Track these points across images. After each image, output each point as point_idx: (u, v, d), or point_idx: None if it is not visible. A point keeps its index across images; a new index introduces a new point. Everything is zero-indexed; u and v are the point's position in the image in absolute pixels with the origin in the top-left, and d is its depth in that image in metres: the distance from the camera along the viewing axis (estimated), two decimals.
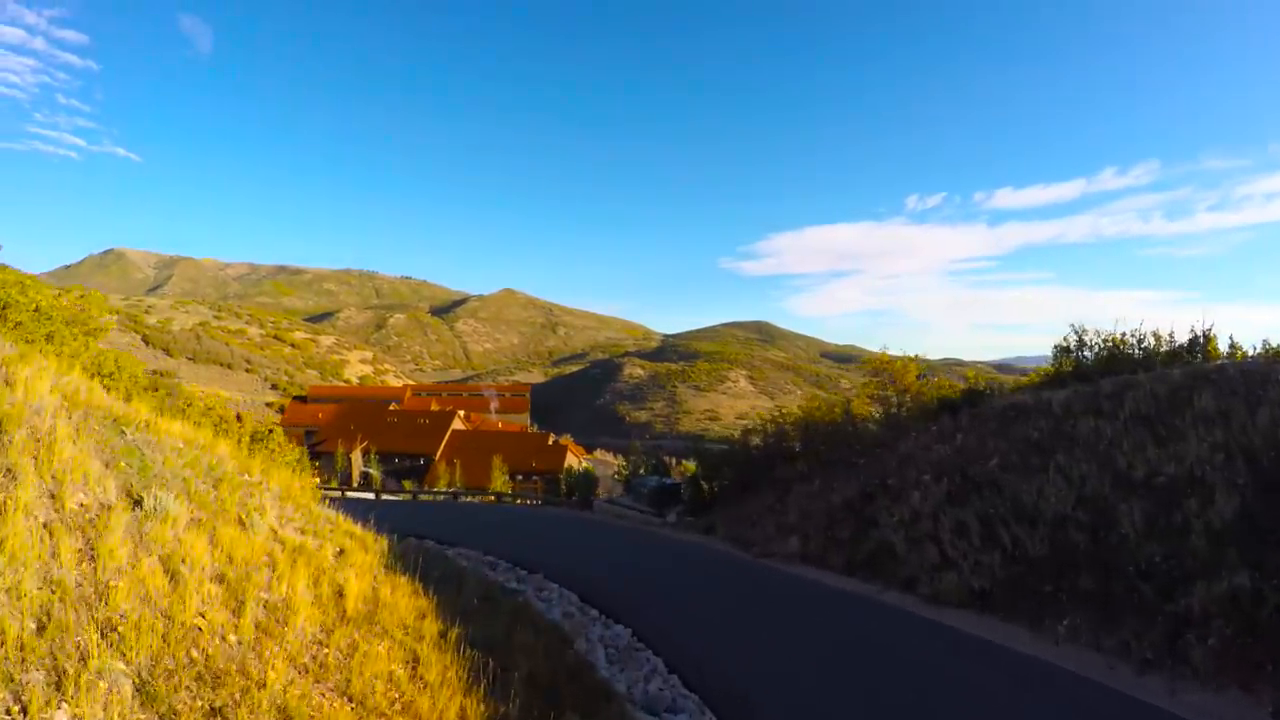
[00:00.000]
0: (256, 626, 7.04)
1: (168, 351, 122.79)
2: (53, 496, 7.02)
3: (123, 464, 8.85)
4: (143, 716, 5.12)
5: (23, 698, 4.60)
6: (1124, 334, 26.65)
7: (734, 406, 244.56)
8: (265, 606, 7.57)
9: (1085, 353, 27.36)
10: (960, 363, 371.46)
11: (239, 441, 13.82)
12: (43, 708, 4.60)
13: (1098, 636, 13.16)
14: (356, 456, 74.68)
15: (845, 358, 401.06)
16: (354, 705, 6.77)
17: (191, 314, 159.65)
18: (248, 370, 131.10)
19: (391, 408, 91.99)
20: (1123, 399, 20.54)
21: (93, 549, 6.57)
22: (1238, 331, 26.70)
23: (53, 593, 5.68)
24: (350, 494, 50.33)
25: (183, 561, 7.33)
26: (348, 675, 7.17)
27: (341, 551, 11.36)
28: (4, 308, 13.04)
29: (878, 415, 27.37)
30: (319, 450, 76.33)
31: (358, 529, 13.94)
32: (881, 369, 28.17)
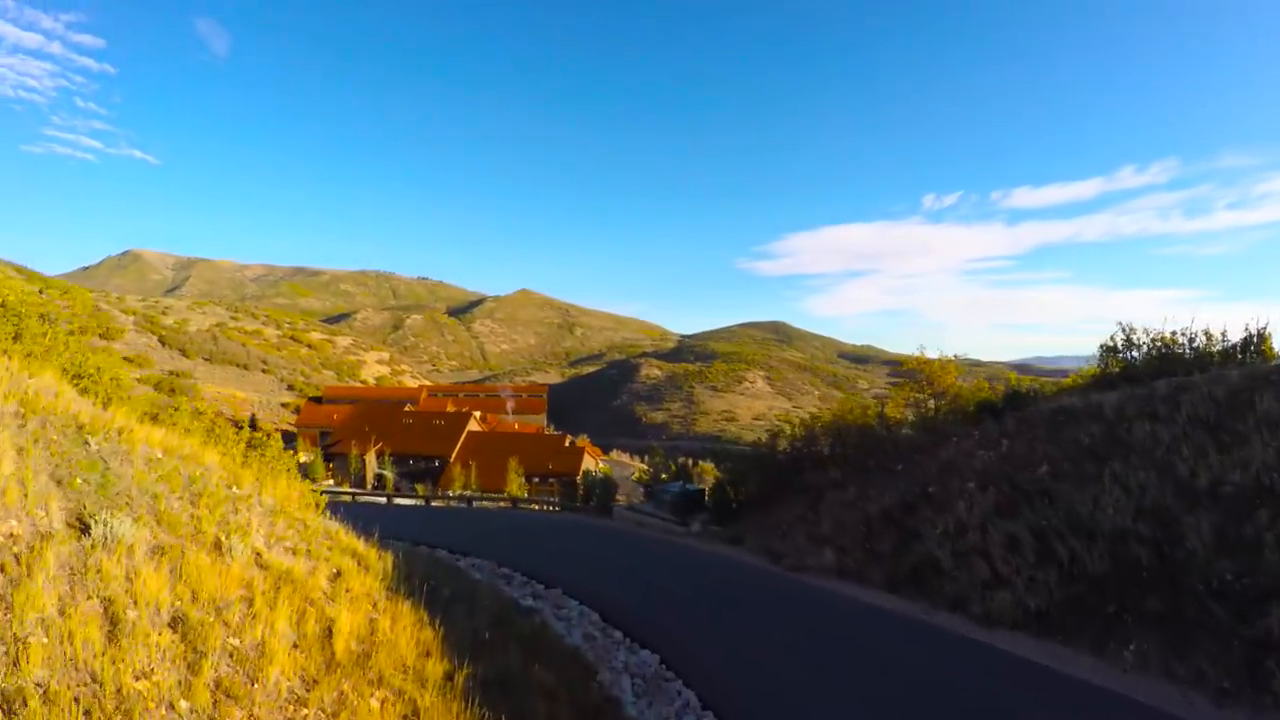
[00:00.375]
0: (217, 687, 5.75)
1: (184, 352, 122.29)
2: None
3: (79, 481, 7.62)
4: None
5: None
6: (1173, 333, 25.22)
7: (751, 407, 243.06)
8: (232, 657, 6.29)
9: (1133, 353, 25.94)
10: (978, 363, 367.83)
11: (232, 449, 12.50)
12: None
13: (1168, 663, 12.00)
14: (371, 458, 73.69)
15: (862, 358, 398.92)
16: None
17: (208, 315, 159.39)
18: (264, 371, 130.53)
19: (407, 409, 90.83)
20: (1178, 402, 19.23)
21: (9, 594, 5.30)
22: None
23: None
24: (362, 498, 49.33)
25: (132, 603, 6.07)
26: None
27: (338, 574, 10.09)
28: None
29: (913, 419, 25.89)
30: (333, 452, 75.43)
31: (359, 544, 12.70)
32: (918, 370, 26.69)
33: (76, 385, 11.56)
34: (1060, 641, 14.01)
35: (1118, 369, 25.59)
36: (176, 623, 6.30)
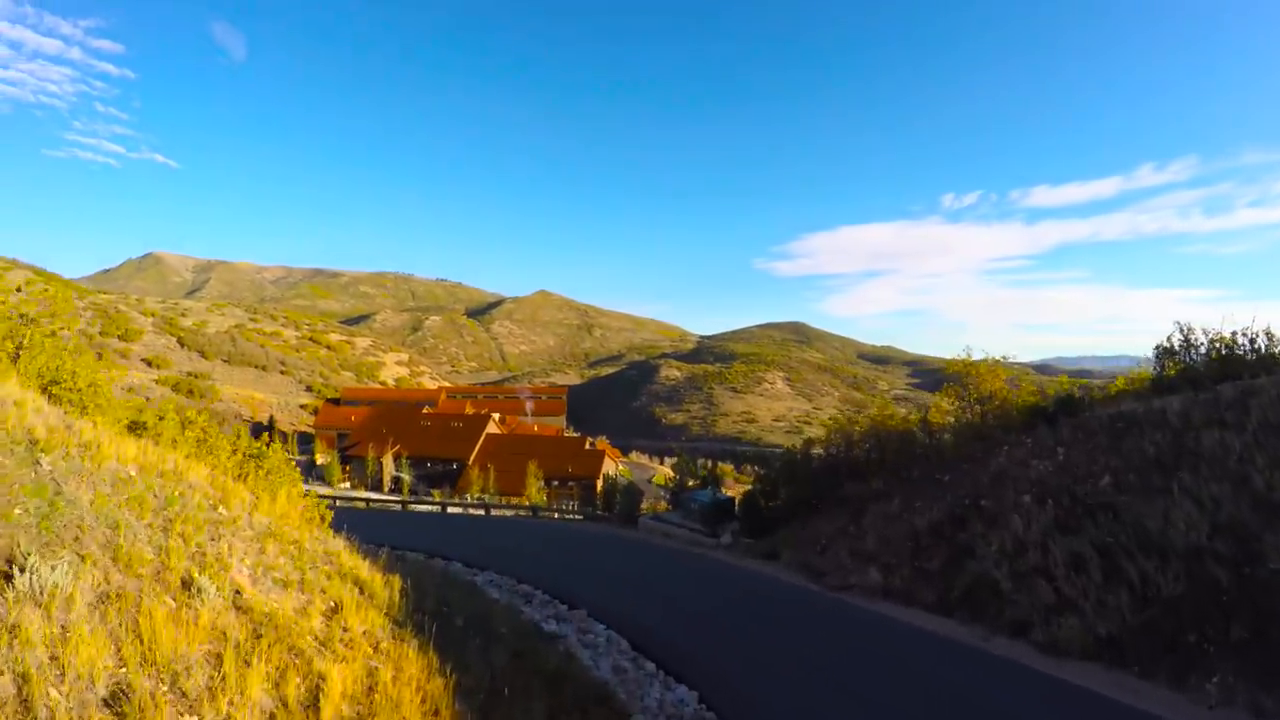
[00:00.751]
0: None
1: (203, 354, 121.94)
2: None
3: (17, 511, 6.32)
4: None
5: None
6: (1233, 334, 23.70)
7: (771, 409, 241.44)
8: None
9: (1192, 355, 24.38)
10: (998, 364, 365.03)
11: (225, 461, 11.21)
12: None
13: (1255, 697, 10.82)
14: (388, 461, 72.65)
15: (882, 359, 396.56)
16: None
17: (227, 316, 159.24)
18: (282, 372, 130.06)
19: (425, 411, 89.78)
20: (1247, 407, 17.96)
21: None
22: None
23: None
24: (377, 503, 48.21)
25: (58, 677, 4.74)
26: None
27: (335, 609, 8.77)
28: None
29: (958, 425, 24.33)
30: (351, 454, 74.49)
31: (364, 567, 11.39)
32: (963, 373, 25.12)
33: (49, 393, 10.29)
34: (1135, 673, 12.74)
35: (1174, 372, 24.06)
36: (115, 699, 4.96)
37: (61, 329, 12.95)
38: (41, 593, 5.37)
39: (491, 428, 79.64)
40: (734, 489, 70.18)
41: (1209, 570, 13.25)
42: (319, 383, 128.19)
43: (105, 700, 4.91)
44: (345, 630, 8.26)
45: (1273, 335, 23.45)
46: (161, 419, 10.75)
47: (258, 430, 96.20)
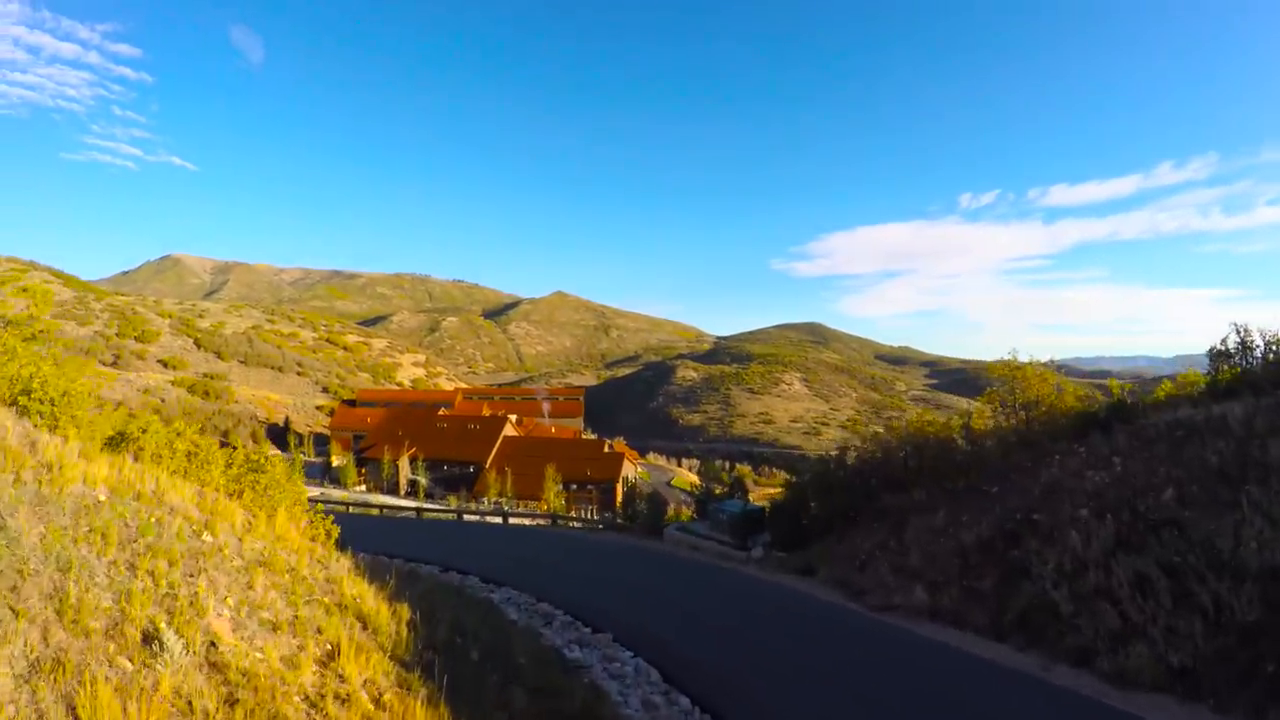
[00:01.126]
0: None
1: (219, 355, 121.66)
2: None
3: None
4: None
5: None
6: None
7: (788, 409, 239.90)
8: None
9: (1249, 358, 22.96)
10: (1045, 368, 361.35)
11: (217, 478, 10.07)
12: None
13: None
14: (404, 463, 71.81)
15: (900, 359, 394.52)
16: None
17: (244, 318, 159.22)
18: (299, 373, 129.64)
19: (441, 413, 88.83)
20: None
21: None
22: None
23: None
24: (390, 509, 47.16)
25: None
26: None
27: (332, 654, 7.61)
28: None
29: (1003, 432, 22.94)
30: (366, 456, 73.68)
31: (369, 595, 10.27)
32: (1008, 377, 23.71)
33: (18, 405, 9.18)
34: (1210, 706, 11.53)
35: (1229, 376, 22.65)
36: None
37: (42, 331, 11.85)
38: None
39: (509, 430, 78.66)
40: (755, 493, 68.90)
41: None
42: (335, 384, 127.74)
43: None
44: (342, 681, 7.11)
45: None
46: (144, 431, 9.62)
47: (273, 432, 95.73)
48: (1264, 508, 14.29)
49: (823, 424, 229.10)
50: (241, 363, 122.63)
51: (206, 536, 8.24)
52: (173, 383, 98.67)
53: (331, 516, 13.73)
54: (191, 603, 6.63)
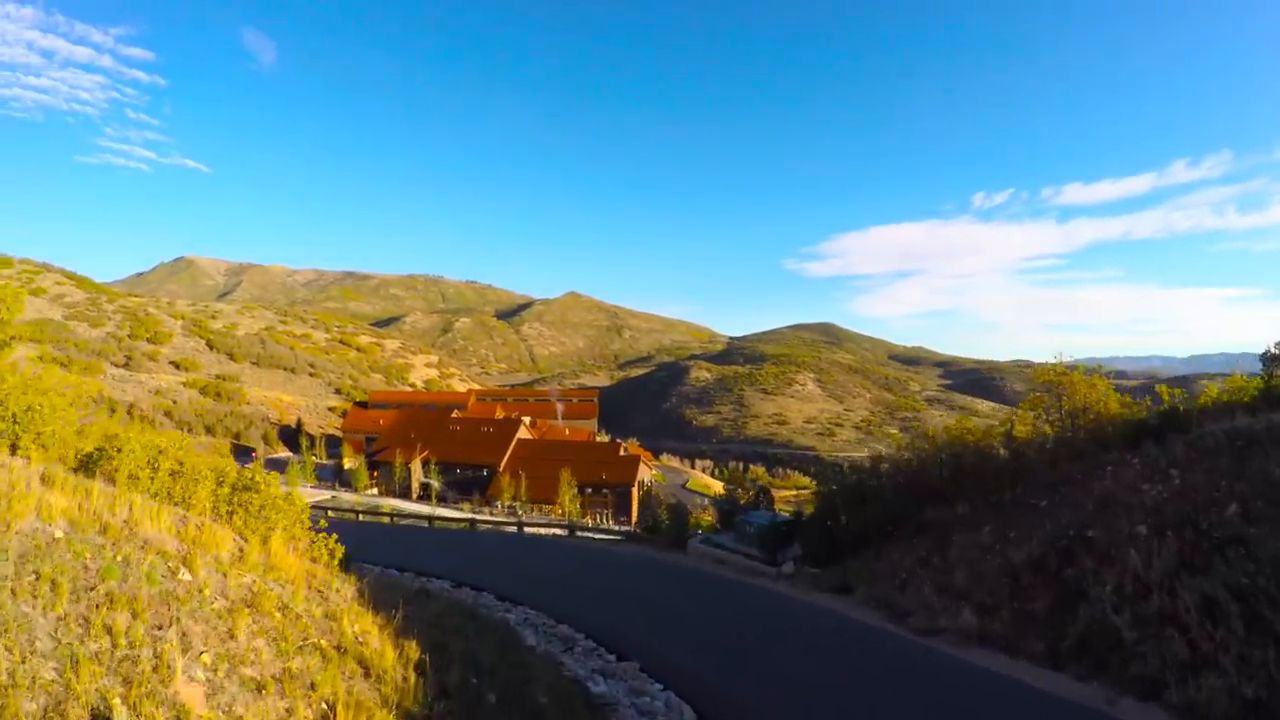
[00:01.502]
0: None
1: (231, 356, 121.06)
2: None
3: None
4: None
5: None
6: None
7: (802, 410, 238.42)
8: None
9: None
10: (1030, 364, 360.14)
11: (203, 502, 8.95)
12: None
13: None
14: (416, 467, 70.83)
15: (913, 360, 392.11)
16: None
17: (257, 319, 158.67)
18: (311, 374, 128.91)
19: (454, 415, 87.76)
20: None
21: None
22: None
23: None
24: (402, 520, 46.13)
25: None
26: None
27: (327, 715, 6.48)
28: None
29: (1050, 441, 21.60)
30: (378, 459, 72.76)
31: (375, 632, 9.13)
32: (1054, 384, 22.37)
33: None
34: None
35: None
36: None
37: (14, 338, 10.75)
38: None
39: (523, 432, 77.59)
40: (776, 497, 67.59)
41: None
42: (348, 385, 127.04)
43: None
44: None
45: None
46: (119, 451, 8.51)
47: (285, 433, 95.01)
48: None
49: (837, 425, 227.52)
50: (254, 364, 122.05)
51: (183, 574, 7.11)
52: (184, 384, 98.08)
53: (334, 537, 12.62)
54: (156, 667, 5.50)
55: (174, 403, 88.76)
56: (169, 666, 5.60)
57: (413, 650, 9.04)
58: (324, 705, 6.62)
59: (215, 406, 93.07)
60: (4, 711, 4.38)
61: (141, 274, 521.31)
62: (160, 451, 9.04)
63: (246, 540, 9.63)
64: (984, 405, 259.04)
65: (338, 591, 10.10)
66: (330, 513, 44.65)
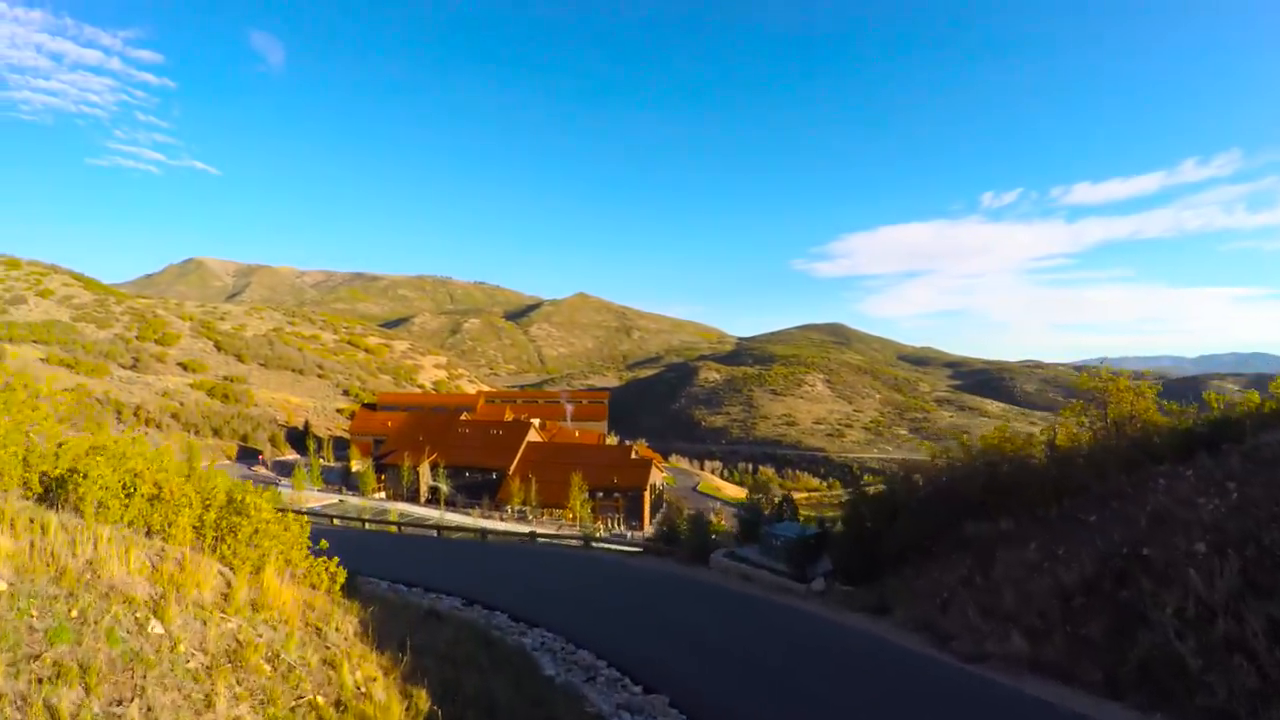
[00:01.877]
0: None
1: (239, 357, 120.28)
2: None
3: None
4: None
5: None
6: None
7: (812, 411, 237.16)
8: None
9: None
10: (1040, 364, 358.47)
11: (183, 531, 7.87)
12: None
13: None
14: (424, 470, 69.82)
15: (921, 360, 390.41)
16: None
17: (266, 320, 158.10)
18: (320, 376, 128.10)
19: (463, 417, 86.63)
20: None
21: None
22: None
23: None
24: (409, 524, 45.08)
25: None
26: None
27: None
28: None
29: (1095, 451, 20.36)
30: (386, 462, 71.82)
31: (379, 680, 8.06)
32: (1099, 391, 21.13)
33: None
34: None
35: None
36: None
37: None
38: None
39: (532, 435, 76.52)
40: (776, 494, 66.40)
41: None
42: (356, 386, 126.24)
43: None
44: None
45: None
46: (85, 477, 7.44)
47: (293, 435, 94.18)
48: None
49: (846, 426, 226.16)
50: (262, 365, 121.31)
51: (154, 627, 6.04)
52: (192, 386, 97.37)
53: (335, 561, 11.54)
54: None
55: (181, 404, 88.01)
56: None
57: (422, 699, 7.98)
58: None
59: (223, 408, 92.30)
60: None
61: (151, 275, 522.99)
62: (136, 474, 7.97)
63: (235, 571, 8.57)
64: (994, 406, 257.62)
65: (337, 629, 9.03)
66: (335, 520, 43.57)
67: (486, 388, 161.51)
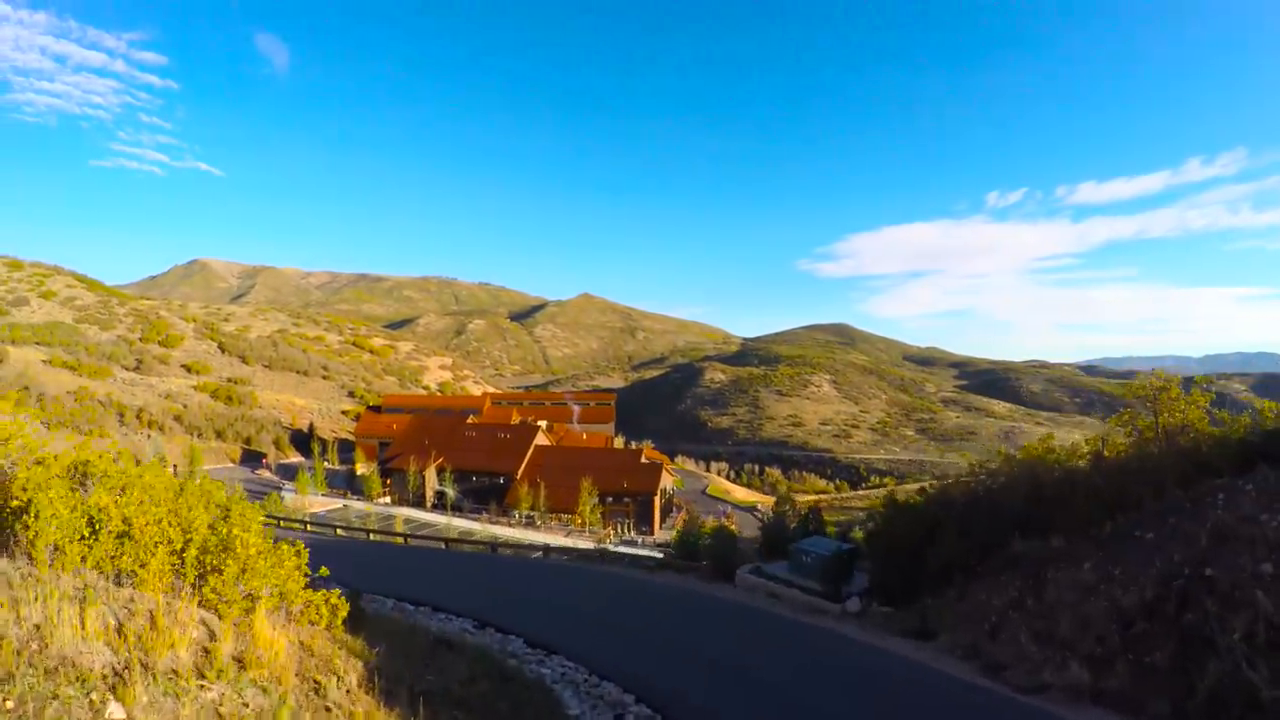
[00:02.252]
0: None
1: (243, 359, 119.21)
2: None
3: None
4: None
5: None
6: None
7: (818, 411, 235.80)
8: None
9: None
10: (1045, 364, 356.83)
11: (157, 577, 6.73)
12: None
13: None
14: (430, 475, 68.62)
15: (927, 360, 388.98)
16: None
17: (270, 321, 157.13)
18: (324, 377, 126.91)
19: (470, 420, 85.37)
20: None
21: None
22: None
23: None
24: (416, 534, 43.90)
25: None
26: None
27: None
28: None
29: (1146, 463, 19.10)
30: (391, 467, 70.70)
31: None
32: (1150, 398, 19.84)
33: None
34: None
35: None
36: None
37: None
38: None
39: (540, 439, 75.32)
40: (798, 501, 65.01)
41: None
42: (361, 388, 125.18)
43: None
44: None
45: None
46: (37, 517, 6.27)
47: (297, 438, 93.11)
48: None
49: (853, 426, 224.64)
50: (266, 367, 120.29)
51: (112, 711, 4.88)
52: (196, 388, 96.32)
53: (338, 594, 10.40)
54: None
55: (184, 407, 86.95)
56: None
57: None
58: None
59: (226, 410, 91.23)
60: None
61: (155, 277, 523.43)
62: (99, 509, 6.82)
63: (220, 616, 7.43)
64: (1000, 406, 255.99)
65: (339, 680, 7.87)
66: (339, 530, 42.38)
67: (491, 389, 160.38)
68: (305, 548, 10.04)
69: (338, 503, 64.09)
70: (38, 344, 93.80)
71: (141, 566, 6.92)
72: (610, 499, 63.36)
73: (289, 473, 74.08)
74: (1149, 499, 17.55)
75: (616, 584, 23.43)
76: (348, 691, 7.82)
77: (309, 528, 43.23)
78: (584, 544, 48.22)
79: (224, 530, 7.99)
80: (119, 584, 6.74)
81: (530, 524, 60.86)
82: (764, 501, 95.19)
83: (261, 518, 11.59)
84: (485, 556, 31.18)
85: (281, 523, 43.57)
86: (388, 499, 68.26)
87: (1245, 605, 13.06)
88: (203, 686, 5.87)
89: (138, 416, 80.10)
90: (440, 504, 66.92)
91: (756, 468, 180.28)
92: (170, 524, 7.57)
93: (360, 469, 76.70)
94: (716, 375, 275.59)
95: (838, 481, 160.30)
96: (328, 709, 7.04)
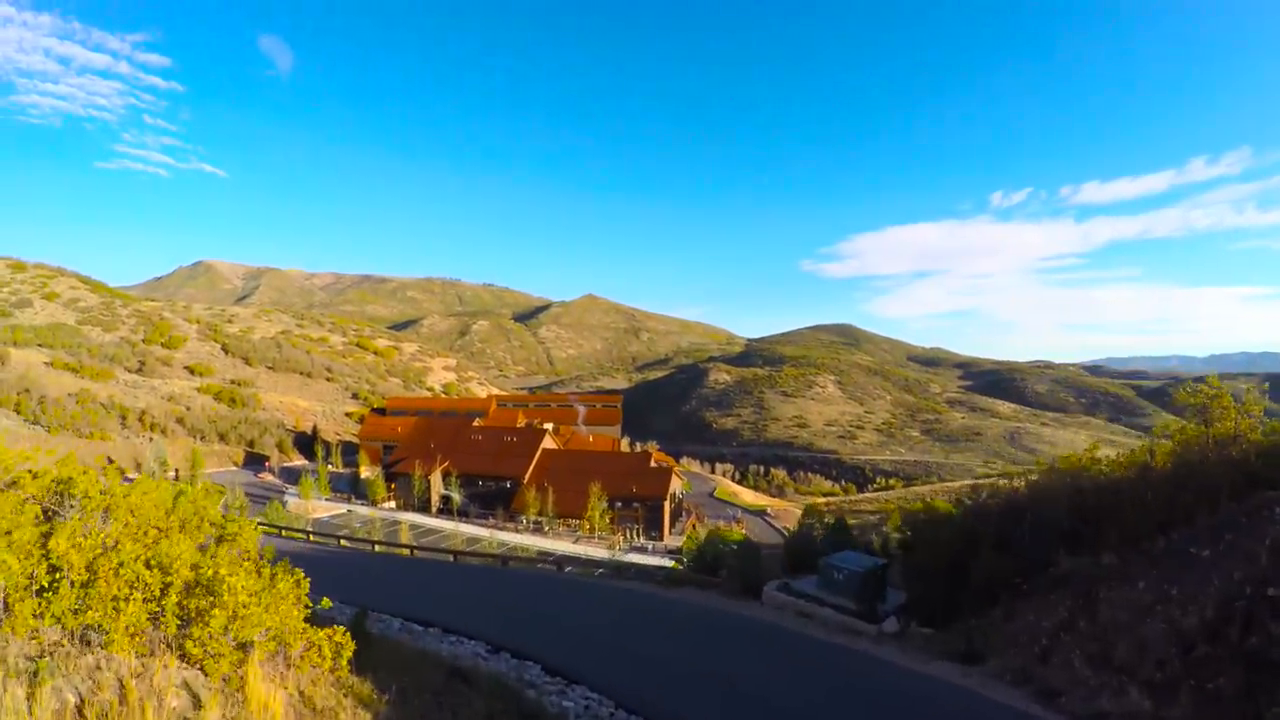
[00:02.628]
0: None
1: (247, 360, 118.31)
2: None
3: None
4: None
5: None
6: None
7: (823, 412, 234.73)
8: None
9: None
10: (1050, 365, 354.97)
11: (127, 634, 5.71)
12: None
13: None
14: (435, 479, 67.57)
15: (932, 361, 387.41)
16: None
17: (273, 323, 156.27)
18: (328, 379, 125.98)
19: (475, 424, 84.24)
20: None
21: None
22: None
23: None
24: (422, 544, 42.87)
25: None
26: None
27: None
28: None
29: (1199, 474, 18.03)
30: (396, 470, 69.67)
31: None
32: (1203, 405, 18.74)
33: None
34: None
35: None
36: None
37: None
38: None
39: (547, 442, 74.21)
40: (796, 502, 63.98)
41: None
42: (365, 390, 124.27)
43: None
44: None
45: None
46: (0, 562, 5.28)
47: (301, 440, 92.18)
48: None
49: (858, 427, 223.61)
50: (270, 368, 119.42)
51: None
52: (199, 390, 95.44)
53: (340, 631, 9.40)
54: None
55: (187, 409, 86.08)
56: None
57: None
58: None
59: (229, 412, 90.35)
60: None
61: (159, 278, 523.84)
62: (57, 557, 5.84)
63: (207, 673, 6.47)
64: (1005, 407, 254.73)
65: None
66: (343, 542, 41.20)
67: (496, 390, 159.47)
68: (305, 576, 9.06)
69: (341, 508, 63.11)
70: (40, 346, 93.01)
71: (111, 619, 5.93)
72: (619, 504, 62.30)
73: (292, 476, 73.10)
74: (1202, 512, 16.53)
75: (635, 601, 22.23)
76: None
77: (311, 538, 42.11)
78: (594, 551, 47.12)
79: (209, 572, 6.99)
80: (86, 643, 5.75)
81: (538, 530, 59.84)
82: (774, 505, 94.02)
83: (259, 536, 10.62)
84: (496, 570, 29.99)
85: (283, 532, 42.49)
86: (392, 504, 67.27)
87: None
88: None
89: (140, 419, 79.22)
90: (446, 509, 65.93)
91: (762, 469, 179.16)
92: (149, 563, 6.60)
93: (364, 472, 75.77)
94: (721, 376, 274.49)
95: (844, 483, 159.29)
96: None
